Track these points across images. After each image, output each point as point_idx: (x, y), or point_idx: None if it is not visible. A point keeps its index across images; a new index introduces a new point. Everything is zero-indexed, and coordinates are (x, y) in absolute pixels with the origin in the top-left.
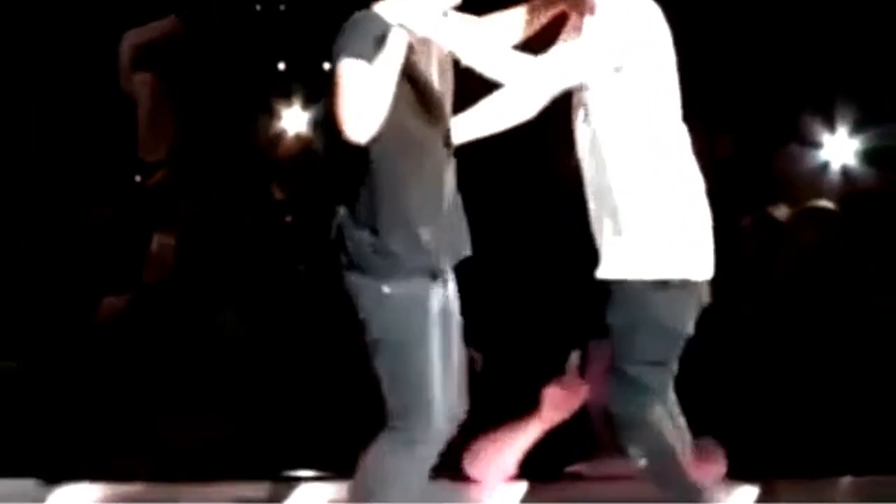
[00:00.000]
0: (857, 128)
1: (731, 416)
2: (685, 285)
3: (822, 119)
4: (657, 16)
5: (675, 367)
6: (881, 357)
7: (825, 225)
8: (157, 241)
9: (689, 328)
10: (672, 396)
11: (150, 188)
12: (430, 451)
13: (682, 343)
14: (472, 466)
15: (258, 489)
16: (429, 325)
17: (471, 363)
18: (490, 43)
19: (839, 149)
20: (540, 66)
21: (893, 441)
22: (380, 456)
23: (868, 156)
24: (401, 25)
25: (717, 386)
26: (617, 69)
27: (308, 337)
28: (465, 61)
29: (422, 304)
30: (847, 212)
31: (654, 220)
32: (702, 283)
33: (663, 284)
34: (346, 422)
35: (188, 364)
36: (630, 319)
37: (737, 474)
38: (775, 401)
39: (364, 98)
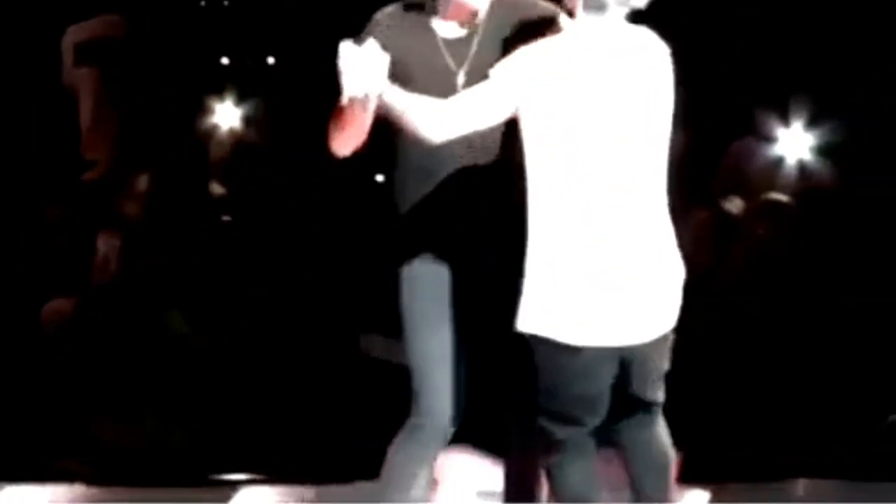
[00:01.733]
0: (812, 122)
1: (682, 420)
2: (583, 349)
3: (777, 114)
4: (592, 54)
5: (596, 422)
6: (837, 356)
7: (780, 219)
8: (101, 241)
9: (598, 388)
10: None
11: (93, 187)
12: (429, 439)
13: (594, 403)
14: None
15: (199, 493)
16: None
17: None
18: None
19: (794, 143)
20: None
21: (847, 442)
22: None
23: (822, 150)
24: None
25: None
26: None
27: (252, 339)
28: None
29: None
30: (803, 206)
31: (546, 275)
32: (618, 347)
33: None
34: (290, 426)
35: (131, 366)
36: (534, 371)
37: (688, 478)
38: (727, 402)
39: None
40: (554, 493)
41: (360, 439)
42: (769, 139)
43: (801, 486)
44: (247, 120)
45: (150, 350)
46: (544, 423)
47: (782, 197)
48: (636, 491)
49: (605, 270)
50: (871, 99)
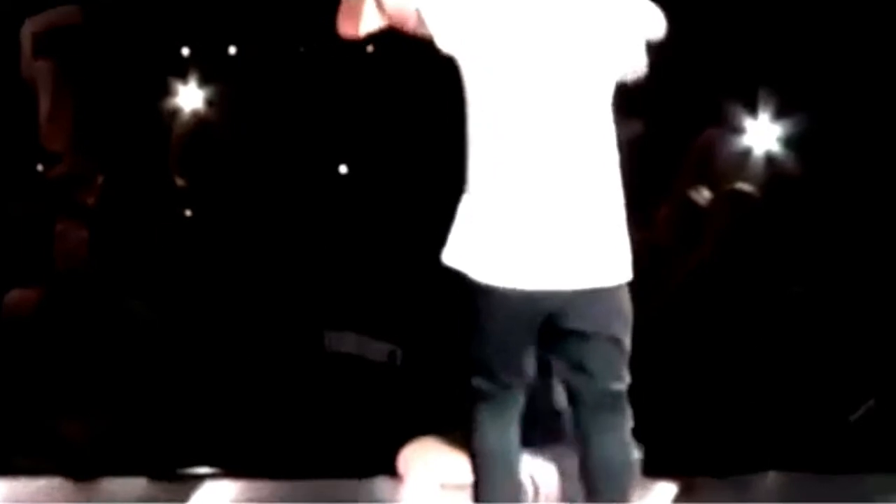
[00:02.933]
0: (778, 113)
1: (647, 413)
2: (494, 290)
3: (745, 105)
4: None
5: (514, 382)
6: (805, 348)
7: (745, 209)
8: (62, 232)
9: (514, 340)
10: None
11: (53, 178)
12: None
13: (509, 356)
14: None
15: (161, 487)
16: None
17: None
18: None
19: (761, 134)
20: None
21: (813, 436)
22: None
23: (789, 142)
24: None
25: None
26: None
27: (211, 333)
28: None
29: None
30: (768, 197)
31: (470, 216)
32: (530, 292)
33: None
34: (255, 421)
35: (90, 359)
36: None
37: (655, 471)
38: (694, 395)
39: None
40: (469, 445)
41: (324, 435)
42: (737, 130)
43: (770, 479)
44: (208, 110)
45: (111, 342)
46: (466, 369)
47: (748, 187)
48: (587, 489)
49: (526, 214)
50: (836, 90)
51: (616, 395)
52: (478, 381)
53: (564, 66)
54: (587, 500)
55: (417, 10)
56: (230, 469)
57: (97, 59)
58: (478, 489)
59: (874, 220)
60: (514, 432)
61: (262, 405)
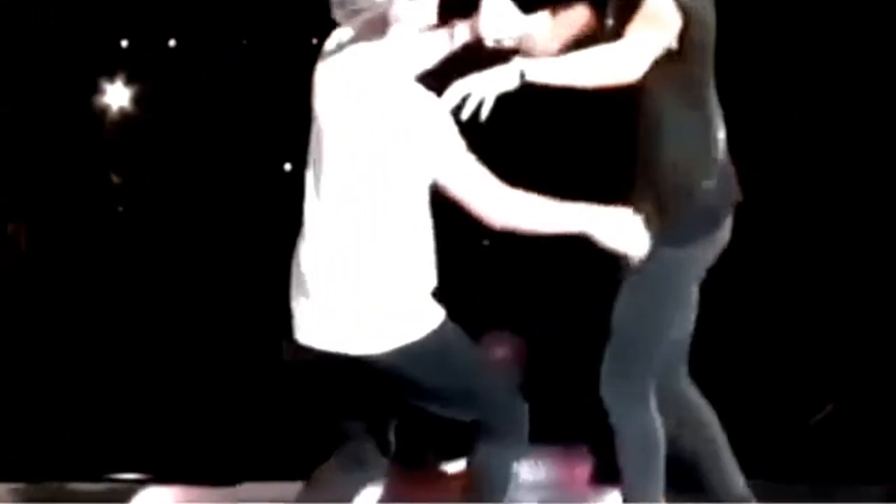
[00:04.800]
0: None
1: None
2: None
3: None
4: None
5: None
6: (762, 355)
7: None
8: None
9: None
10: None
11: None
12: None
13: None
14: None
15: (99, 491)
16: None
17: None
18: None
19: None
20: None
21: (774, 443)
22: None
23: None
24: None
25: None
26: None
27: (159, 337)
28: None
29: None
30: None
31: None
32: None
33: None
34: (194, 427)
35: (34, 362)
36: None
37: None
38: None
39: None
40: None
41: (260, 441)
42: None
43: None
44: (145, 105)
45: (49, 345)
46: None
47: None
48: None
49: (303, 274)
50: (798, 92)
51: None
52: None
53: (348, 148)
54: None
55: None
56: (167, 475)
57: (30, 53)
58: None
59: (834, 244)
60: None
61: (201, 411)
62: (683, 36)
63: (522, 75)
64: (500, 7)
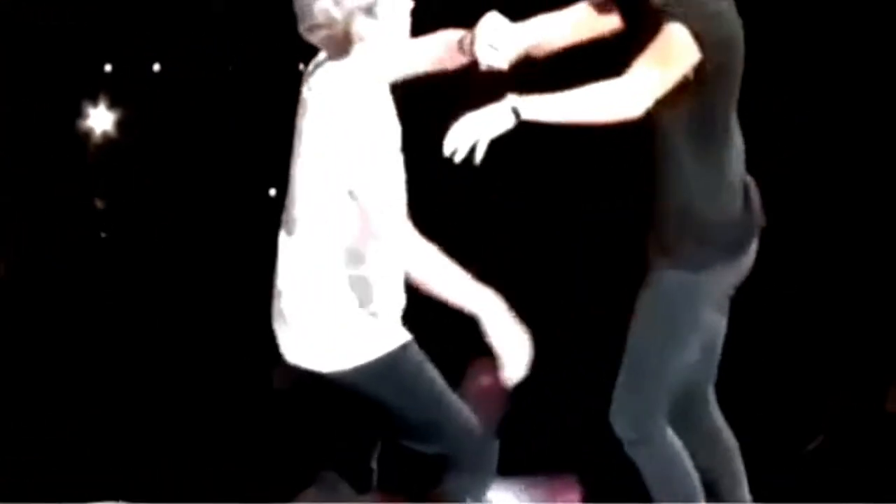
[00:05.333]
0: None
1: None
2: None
3: None
4: None
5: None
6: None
7: None
8: None
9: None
10: None
11: None
12: None
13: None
14: None
15: None
16: None
17: None
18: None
19: None
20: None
21: (766, 469)
22: None
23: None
24: None
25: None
26: None
27: (142, 362)
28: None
29: None
30: None
31: None
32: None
33: None
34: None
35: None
36: None
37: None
38: None
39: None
40: None
41: (242, 466)
42: None
43: None
44: (129, 130)
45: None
46: None
47: None
48: None
49: (279, 293)
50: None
51: None
52: None
53: (313, 168)
54: None
55: None
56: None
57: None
58: None
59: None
60: None
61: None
62: (701, 65)
63: (517, 114)
64: (496, 25)
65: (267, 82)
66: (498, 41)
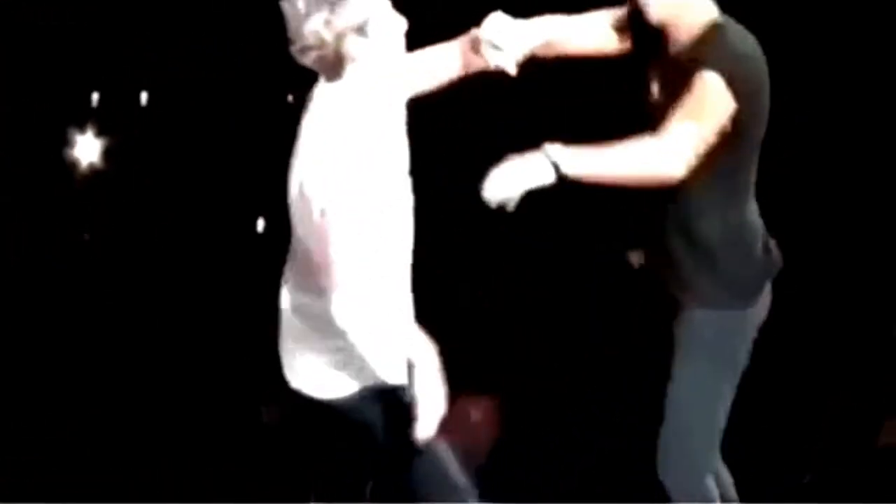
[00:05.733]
0: None
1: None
2: None
3: None
4: None
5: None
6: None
7: None
8: None
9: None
10: None
11: None
12: None
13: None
14: None
15: None
16: None
17: None
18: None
19: None
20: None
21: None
22: None
23: None
24: None
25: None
26: None
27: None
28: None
29: None
30: None
31: None
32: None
33: None
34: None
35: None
36: None
37: None
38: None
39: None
40: None
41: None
42: None
43: None
44: (116, 160)
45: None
46: None
47: None
48: None
49: (284, 319)
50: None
51: None
52: None
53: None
54: None
55: None
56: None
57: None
58: None
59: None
60: None
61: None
62: (737, 115)
63: (557, 168)
64: (500, 25)
65: (257, 112)
66: (502, 41)
